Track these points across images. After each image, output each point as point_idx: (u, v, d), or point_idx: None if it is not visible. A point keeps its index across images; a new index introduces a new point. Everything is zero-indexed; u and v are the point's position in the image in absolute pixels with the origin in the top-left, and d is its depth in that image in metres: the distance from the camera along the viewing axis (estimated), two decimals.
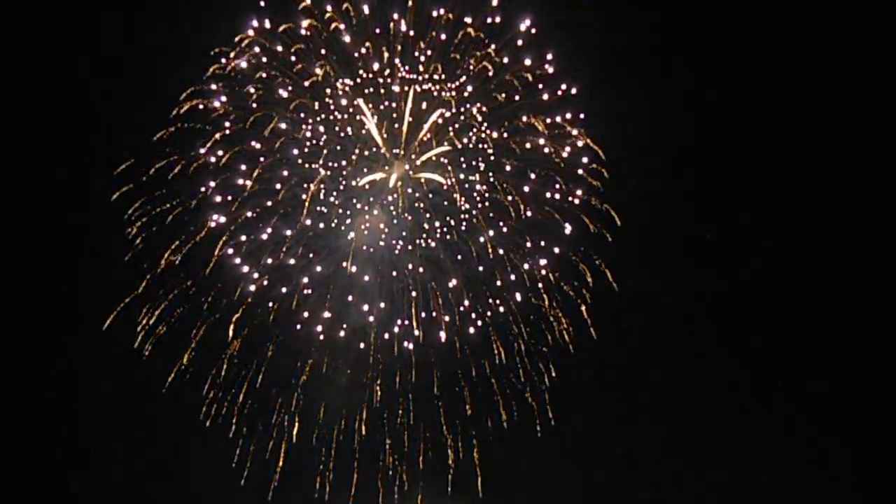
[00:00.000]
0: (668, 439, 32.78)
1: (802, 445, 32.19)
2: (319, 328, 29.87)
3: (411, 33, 29.65)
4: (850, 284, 33.34)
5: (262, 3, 29.01)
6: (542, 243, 30.56)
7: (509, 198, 30.32)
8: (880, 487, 31.87)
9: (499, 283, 30.51)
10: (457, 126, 30.19)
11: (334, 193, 29.84)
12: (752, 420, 32.75)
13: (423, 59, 29.90)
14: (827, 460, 31.95)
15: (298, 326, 29.99)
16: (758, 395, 32.96)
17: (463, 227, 30.37)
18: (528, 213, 30.31)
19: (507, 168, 30.42)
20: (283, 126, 29.24)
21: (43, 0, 30.06)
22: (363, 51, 29.83)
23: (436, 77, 30.11)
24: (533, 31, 29.95)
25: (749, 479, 32.32)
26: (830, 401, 32.20)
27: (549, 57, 30.22)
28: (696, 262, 33.59)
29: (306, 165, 29.71)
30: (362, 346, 30.08)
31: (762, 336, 33.51)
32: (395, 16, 29.48)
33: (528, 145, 30.36)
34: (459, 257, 30.22)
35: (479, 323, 30.52)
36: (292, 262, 29.74)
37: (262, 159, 29.21)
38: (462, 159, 30.23)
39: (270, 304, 29.75)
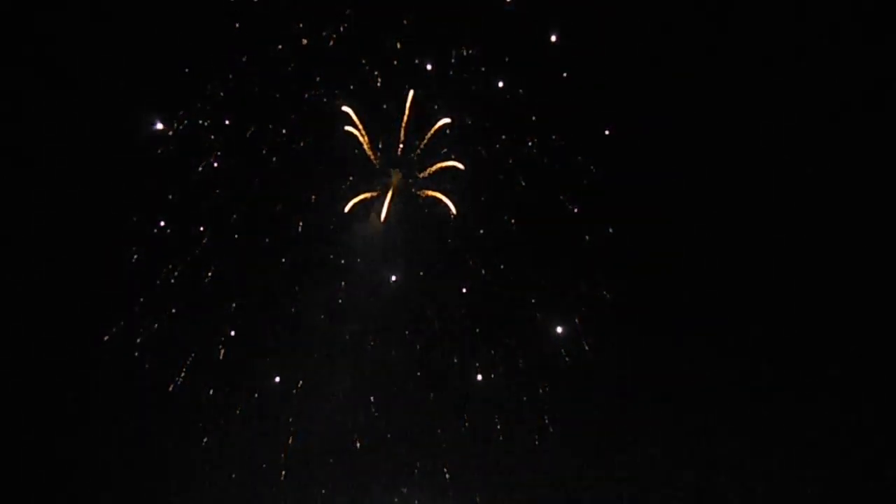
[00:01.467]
0: (666, 445, 33.03)
1: (805, 455, 32.20)
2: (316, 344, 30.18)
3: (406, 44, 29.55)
4: (851, 285, 33.54)
5: (257, 16, 28.89)
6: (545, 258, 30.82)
7: (514, 220, 30.49)
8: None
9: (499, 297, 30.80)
10: (457, 141, 30.16)
11: (320, 212, 29.97)
12: (752, 424, 32.81)
13: (421, 70, 29.74)
14: (830, 467, 32.00)
15: (294, 337, 30.20)
16: (757, 399, 32.95)
17: (468, 259, 30.50)
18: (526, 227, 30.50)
19: (504, 182, 30.44)
20: (279, 141, 29.21)
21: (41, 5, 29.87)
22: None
23: (434, 86, 29.92)
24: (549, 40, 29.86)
25: (749, 483, 32.58)
26: (832, 411, 32.26)
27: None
28: (692, 269, 33.70)
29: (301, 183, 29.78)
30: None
31: (761, 341, 33.58)
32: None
33: (522, 158, 30.42)
34: (457, 279, 30.37)
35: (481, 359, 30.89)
36: (287, 277, 29.92)
37: (257, 177, 29.37)
38: (463, 175, 30.19)
39: (265, 318, 30.07)
